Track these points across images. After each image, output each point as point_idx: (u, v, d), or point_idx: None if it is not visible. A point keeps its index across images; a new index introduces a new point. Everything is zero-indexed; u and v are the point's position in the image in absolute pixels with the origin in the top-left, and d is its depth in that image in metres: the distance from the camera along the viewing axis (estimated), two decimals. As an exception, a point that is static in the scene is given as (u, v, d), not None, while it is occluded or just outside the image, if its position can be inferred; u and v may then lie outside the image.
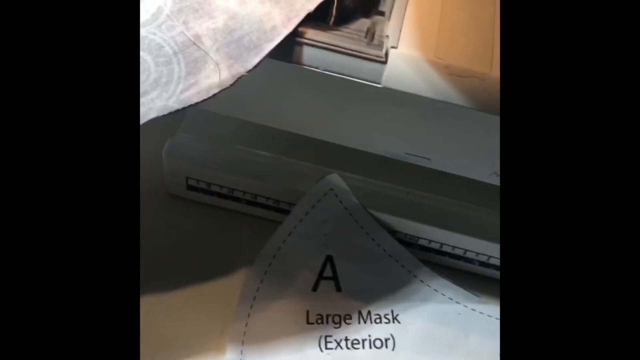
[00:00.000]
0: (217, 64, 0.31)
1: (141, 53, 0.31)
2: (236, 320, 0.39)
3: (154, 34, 0.31)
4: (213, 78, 0.31)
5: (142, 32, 0.31)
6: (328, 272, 0.40)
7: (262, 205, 0.43)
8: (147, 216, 0.44)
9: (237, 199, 0.43)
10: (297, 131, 0.37)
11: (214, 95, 0.31)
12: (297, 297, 0.40)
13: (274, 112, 0.36)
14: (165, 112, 0.31)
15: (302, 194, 0.41)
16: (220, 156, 0.41)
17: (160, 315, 0.40)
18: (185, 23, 0.31)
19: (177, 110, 0.31)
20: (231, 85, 0.31)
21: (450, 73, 0.32)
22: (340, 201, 0.41)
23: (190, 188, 0.43)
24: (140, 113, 0.31)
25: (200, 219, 0.44)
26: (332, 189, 0.41)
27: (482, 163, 0.36)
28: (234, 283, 0.41)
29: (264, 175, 0.41)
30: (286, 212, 0.43)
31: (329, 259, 0.41)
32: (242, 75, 0.31)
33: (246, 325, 0.38)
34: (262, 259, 0.40)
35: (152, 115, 0.30)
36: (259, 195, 0.42)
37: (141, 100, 0.31)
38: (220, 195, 0.43)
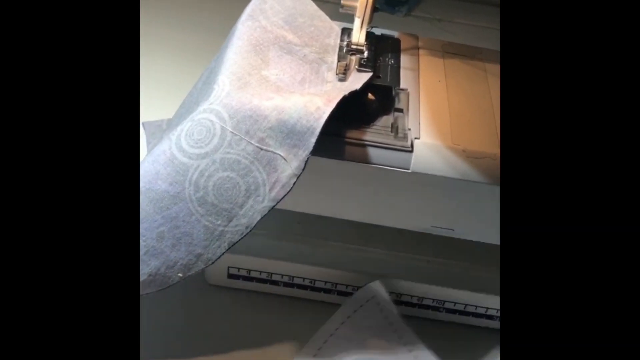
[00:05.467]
0: (284, 158, 0.36)
1: (226, 173, 0.36)
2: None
3: (229, 152, 0.36)
4: (287, 170, 0.36)
5: (219, 155, 0.36)
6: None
7: (299, 286, 0.47)
8: (191, 306, 0.47)
9: (275, 282, 0.47)
10: (334, 215, 0.42)
11: (294, 183, 0.36)
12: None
13: (315, 202, 0.41)
14: (265, 212, 0.37)
15: (335, 273, 0.45)
16: (259, 244, 0.45)
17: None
18: (247, 132, 0.36)
19: (272, 207, 0.37)
20: (303, 169, 0.36)
21: (468, 156, 0.38)
22: (381, 310, 0.45)
23: (230, 276, 0.47)
24: (244, 222, 0.36)
25: (241, 304, 0.47)
26: (374, 297, 0.45)
27: (497, 227, 0.41)
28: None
29: (300, 258, 0.45)
30: (320, 290, 0.46)
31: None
32: (308, 157, 0.36)
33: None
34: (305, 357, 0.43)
35: (257, 218, 0.37)
36: (296, 277, 0.46)
37: (241, 211, 0.36)
38: (259, 280, 0.47)
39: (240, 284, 0.47)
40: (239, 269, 0.46)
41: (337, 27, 0.46)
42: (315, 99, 0.37)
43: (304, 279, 0.46)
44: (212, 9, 0.75)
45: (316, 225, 0.46)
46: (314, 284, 0.46)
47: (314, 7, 0.46)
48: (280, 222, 0.46)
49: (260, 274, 0.46)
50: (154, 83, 0.62)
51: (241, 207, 0.37)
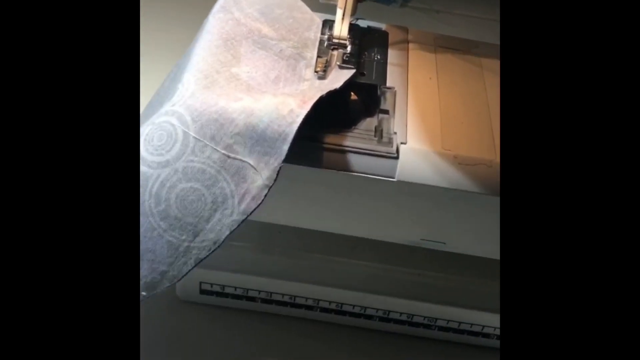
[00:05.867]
0: (254, 167, 0.32)
1: (190, 184, 0.32)
2: None
3: (192, 160, 0.32)
4: (258, 181, 0.32)
5: (181, 164, 0.32)
6: None
7: (278, 303, 0.43)
8: (161, 323, 0.43)
9: (252, 299, 0.43)
10: (314, 228, 0.38)
11: (266, 195, 0.32)
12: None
13: (292, 213, 0.37)
14: (235, 227, 0.32)
15: (317, 289, 0.42)
16: (234, 257, 0.42)
17: None
18: (212, 138, 0.32)
19: (242, 221, 0.32)
20: (275, 179, 0.32)
21: (460, 162, 0.34)
22: None
23: (203, 292, 0.43)
24: (211, 238, 0.32)
25: (215, 321, 0.43)
26: None
27: (491, 240, 0.38)
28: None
29: (278, 273, 0.42)
30: (302, 307, 0.43)
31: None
32: (280, 166, 0.32)
33: None
34: None
35: (226, 233, 0.32)
36: (275, 293, 0.42)
37: (208, 225, 0.32)
38: (234, 296, 0.43)
39: (213, 300, 0.43)
40: (211, 284, 0.42)
41: (318, 19, 0.42)
42: (288, 100, 0.33)
43: (283, 295, 0.42)
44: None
45: (297, 236, 0.42)
46: (295, 300, 0.43)
47: None
48: (257, 233, 0.42)
49: (236, 289, 0.42)
50: (154, 84, 0.58)
51: (207, 220, 0.33)
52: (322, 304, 0.43)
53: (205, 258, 0.34)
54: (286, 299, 0.43)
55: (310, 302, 0.43)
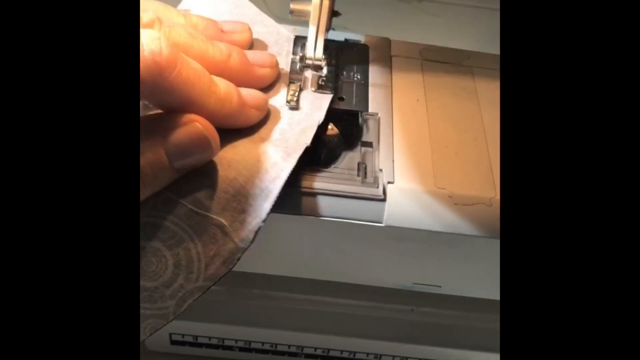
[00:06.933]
0: (226, 226, 0.28)
1: (149, 243, 0.27)
2: None
3: (154, 215, 0.27)
4: (230, 242, 0.28)
5: (141, 219, 0.27)
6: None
7: (258, 351, 0.39)
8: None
9: (229, 347, 0.39)
10: (294, 275, 0.34)
11: (239, 259, 0.28)
12: None
13: (268, 262, 0.33)
14: (200, 294, 0.28)
15: (299, 336, 0.38)
16: (206, 305, 0.37)
17: None
18: (179, 190, 0.28)
19: (209, 287, 0.28)
20: (252, 241, 0.28)
21: (455, 203, 0.30)
22: None
23: (174, 343, 0.39)
24: (171, 304, 0.29)
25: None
26: None
27: (493, 282, 0.34)
28: None
29: (257, 321, 0.37)
30: (285, 354, 0.39)
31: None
32: (260, 227, 0.28)
33: None
34: None
35: (189, 300, 0.28)
36: (254, 341, 0.38)
37: (168, 291, 0.28)
38: (209, 345, 0.39)
39: (186, 349, 0.39)
40: (183, 334, 0.38)
41: (287, 32, 0.37)
42: (270, 152, 0.29)
43: (263, 343, 0.38)
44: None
45: (276, 279, 0.38)
46: (276, 347, 0.39)
47: (255, 9, 0.37)
48: (232, 274, 0.38)
49: (210, 339, 0.38)
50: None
51: (168, 286, 0.29)
52: (307, 351, 0.39)
53: (161, 327, 0.30)
54: (267, 346, 0.39)
55: (293, 349, 0.39)
